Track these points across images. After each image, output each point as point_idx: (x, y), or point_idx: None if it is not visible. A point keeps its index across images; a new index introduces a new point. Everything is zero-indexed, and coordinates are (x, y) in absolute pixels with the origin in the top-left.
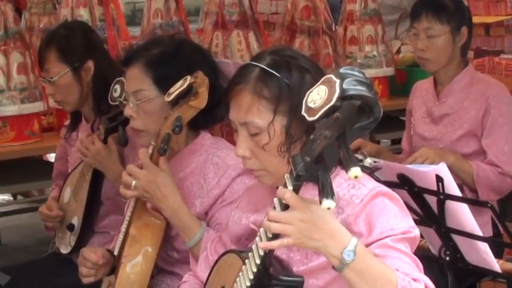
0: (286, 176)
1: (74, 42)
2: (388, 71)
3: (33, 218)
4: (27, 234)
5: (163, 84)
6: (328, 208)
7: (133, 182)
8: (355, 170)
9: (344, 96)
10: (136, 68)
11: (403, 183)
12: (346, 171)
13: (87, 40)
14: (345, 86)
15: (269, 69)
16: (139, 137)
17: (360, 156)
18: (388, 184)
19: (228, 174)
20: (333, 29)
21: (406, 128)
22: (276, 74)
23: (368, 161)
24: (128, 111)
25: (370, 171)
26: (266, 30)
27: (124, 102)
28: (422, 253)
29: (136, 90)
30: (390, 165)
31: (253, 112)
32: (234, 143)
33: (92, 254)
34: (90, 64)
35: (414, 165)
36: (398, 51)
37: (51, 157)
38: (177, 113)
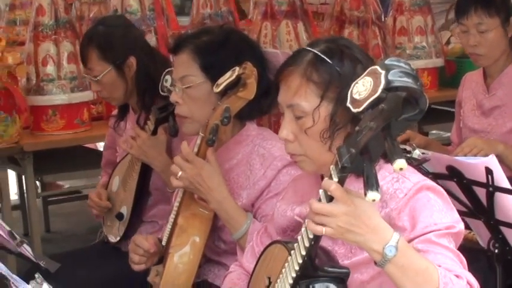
0: (332, 167)
1: (114, 40)
2: (438, 62)
3: (82, 207)
4: (76, 222)
5: (210, 71)
6: (373, 200)
7: (180, 173)
8: (400, 162)
9: (389, 88)
10: (184, 54)
11: (452, 175)
12: (391, 163)
13: (127, 36)
14: (390, 77)
15: (322, 55)
16: (184, 123)
17: (408, 148)
18: (437, 176)
19: (274, 166)
20: (382, 19)
21: (456, 120)
22: (328, 60)
23: (417, 153)
24: (174, 97)
25: (419, 163)
26: (315, 21)
27: (171, 89)
28: (470, 245)
29: (183, 75)
30: (439, 157)
31: (300, 95)
32: None
33: (144, 241)
34: (132, 60)
35: (463, 157)
36: (447, 42)
37: (100, 146)
38: (226, 104)
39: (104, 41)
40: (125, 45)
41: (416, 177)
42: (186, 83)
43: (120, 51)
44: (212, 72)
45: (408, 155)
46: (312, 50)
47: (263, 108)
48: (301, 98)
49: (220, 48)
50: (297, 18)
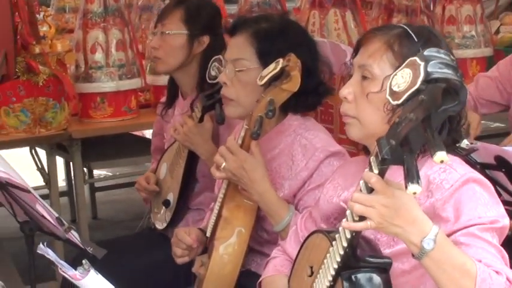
0: (372, 159)
1: (202, 12)
2: (486, 51)
3: (129, 194)
4: (123, 209)
5: (265, 58)
6: (414, 193)
7: (223, 164)
8: (441, 155)
9: (429, 80)
10: (241, 37)
11: (500, 165)
12: (432, 156)
13: (214, 18)
14: (429, 69)
15: (411, 32)
16: (228, 105)
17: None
18: (485, 166)
19: (316, 157)
20: (431, 8)
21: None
22: (415, 38)
23: (465, 143)
24: (222, 78)
25: (467, 153)
26: (363, 9)
27: (222, 69)
28: None
29: (237, 58)
30: (487, 146)
31: (375, 57)
32: (327, 121)
33: (186, 237)
34: (205, 39)
35: None
36: (497, 32)
37: (147, 133)
38: (270, 96)
39: (193, 8)
40: (208, 22)
41: (463, 169)
42: (239, 66)
43: (202, 25)
44: (267, 60)
45: (456, 145)
46: (404, 26)
47: (309, 104)
48: (375, 61)
49: (279, 37)
50: (345, 7)
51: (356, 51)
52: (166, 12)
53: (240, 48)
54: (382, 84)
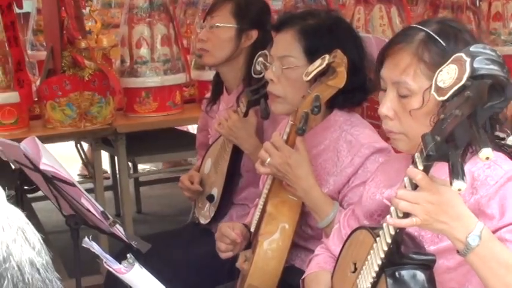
0: (417, 155)
1: (252, 7)
2: None
3: (174, 188)
4: (167, 203)
5: (312, 55)
6: (459, 190)
7: (268, 159)
8: (486, 151)
9: (475, 76)
10: (288, 34)
11: None
12: (477, 152)
13: (263, 12)
14: (475, 65)
15: (435, 36)
16: (274, 102)
17: (502, 135)
18: None
19: (361, 153)
20: (477, 4)
21: None
22: (442, 42)
23: (511, 139)
24: (269, 75)
25: None
26: (409, 5)
27: (268, 66)
28: None
29: (284, 55)
30: None
31: (409, 73)
32: (373, 117)
33: (230, 232)
34: (254, 33)
35: None
36: None
37: (192, 128)
38: (316, 92)
39: (243, 2)
40: (256, 16)
41: (508, 165)
42: (286, 64)
43: (251, 19)
44: (314, 57)
45: (502, 142)
46: (425, 29)
47: (355, 100)
48: (410, 76)
49: (327, 34)
50: (390, 3)
51: (380, 62)
52: (216, 5)
53: (287, 45)
54: (423, 98)
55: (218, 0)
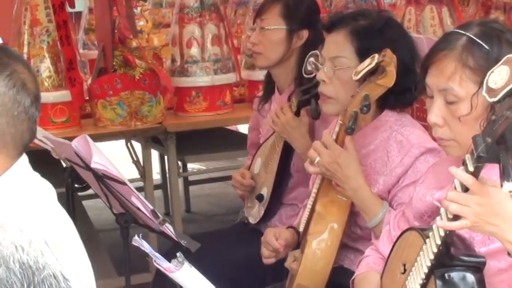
0: (467, 156)
1: (301, 7)
2: None
3: (223, 188)
4: (216, 203)
5: (364, 56)
6: (510, 192)
7: (317, 159)
8: None
9: None
10: (340, 34)
11: None
12: None
13: (313, 12)
14: None
15: (477, 40)
16: (326, 103)
17: None
18: None
19: (411, 153)
20: None
21: None
22: (485, 45)
23: None
24: (321, 76)
25: None
26: (460, 6)
27: (320, 67)
28: None
29: (336, 56)
30: None
31: (454, 80)
32: (422, 118)
33: (273, 241)
34: (304, 33)
35: None
36: None
37: (241, 128)
38: (365, 92)
39: (292, 3)
40: (307, 16)
41: None
42: (338, 65)
43: (301, 19)
44: (366, 58)
45: None
46: (466, 33)
47: (407, 101)
48: (456, 83)
49: (379, 34)
50: (441, 3)
51: (424, 69)
52: (264, 7)
53: (338, 46)
54: (471, 104)
55: (266, 1)
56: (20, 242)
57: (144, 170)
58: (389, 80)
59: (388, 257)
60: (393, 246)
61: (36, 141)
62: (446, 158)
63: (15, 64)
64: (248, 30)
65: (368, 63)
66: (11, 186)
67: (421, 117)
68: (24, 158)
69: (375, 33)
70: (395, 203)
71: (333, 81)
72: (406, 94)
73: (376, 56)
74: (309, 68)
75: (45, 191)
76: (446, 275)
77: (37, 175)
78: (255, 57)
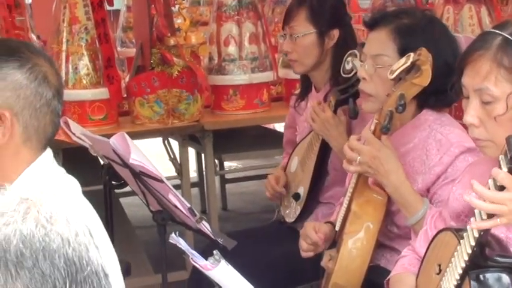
0: (501, 157)
1: (326, 8)
2: None
3: (259, 186)
4: (252, 201)
5: (406, 54)
6: None
7: (358, 157)
8: None
9: None
10: (382, 32)
11: None
12: None
13: (338, 9)
14: None
15: None
16: (366, 101)
17: None
18: None
19: (451, 152)
20: None
21: None
22: None
23: None
24: (362, 73)
25: None
26: (499, 5)
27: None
28: None
29: (378, 54)
30: None
31: (490, 80)
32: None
33: (313, 233)
34: (335, 33)
35: None
36: None
37: (278, 126)
38: (400, 91)
39: (317, 5)
40: (334, 15)
41: None
42: (380, 63)
43: (329, 20)
44: None
45: None
46: (502, 33)
47: (448, 101)
48: (491, 83)
49: (422, 34)
50: (480, 2)
51: (460, 71)
52: (290, 14)
53: (380, 44)
54: (506, 103)
55: (291, 7)
56: (67, 234)
57: (181, 167)
58: (424, 79)
59: (424, 257)
60: (428, 246)
61: (74, 138)
62: (482, 158)
63: (37, 58)
64: (279, 36)
65: (403, 62)
66: (36, 179)
67: (460, 116)
68: (48, 152)
69: (418, 32)
70: (435, 201)
71: (374, 79)
72: (447, 94)
73: (412, 54)
74: (348, 67)
75: (71, 184)
76: (481, 276)
77: (62, 170)
78: (292, 65)
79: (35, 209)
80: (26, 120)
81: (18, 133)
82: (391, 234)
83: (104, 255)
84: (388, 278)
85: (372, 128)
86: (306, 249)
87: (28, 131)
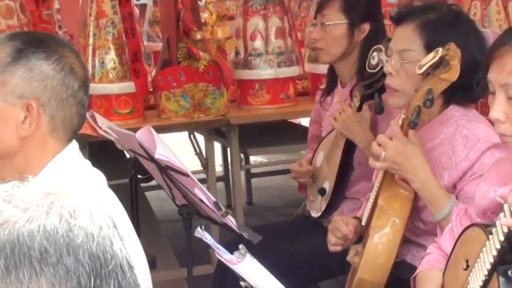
0: None
1: (361, 1)
2: None
3: (285, 180)
4: (277, 195)
5: (433, 49)
6: None
7: (383, 153)
8: None
9: None
10: (409, 27)
11: None
12: None
13: (373, 4)
14: None
15: None
16: (392, 96)
17: None
18: None
19: (477, 148)
20: None
21: None
22: None
23: None
24: (388, 68)
25: None
26: None
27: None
28: None
29: (404, 49)
30: None
31: None
32: (488, 113)
33: (343, 226)
34: (366, 26)
35: None
36: None
37: (304, 121)
38: (428, 86)
39: None
40: (367, 9)
41: None
42: (406, 58)
43: (362, 12)
44: None
45: None
46: None
47: (476, 97)
48: None
49: (448, 29)
50: None
51: (486, 66)
52: (325, 2)
53: (407, 39)
54: None
55: None
56: (91, 229)
57: (206, 162)
58: (453, 74)
59: (451, 253)
60: (456, 243)
61: (100, 132)
62: (509, 154)
63: (64, 50)
64: (309, 26)
65: (432, 57)
66: (61, 171)
67: (486, 112)
68: (74, 144)
69: (445, 27)
70: (462, 197)
71: (400, 74)
72: (474, 89)
73: (440, 49)
74: (373, 62)
75: (96, 177)
76: (509, 271)
77: (88, 163)
78: (317, 53)
79: (58, 204)
80: (52, 111)
81: (45, 123)
82: (417, 230)
83: (128, 246)
84: (414, 274)
85: (400, 122)
86: (334, 243)
87: (54, 122)
